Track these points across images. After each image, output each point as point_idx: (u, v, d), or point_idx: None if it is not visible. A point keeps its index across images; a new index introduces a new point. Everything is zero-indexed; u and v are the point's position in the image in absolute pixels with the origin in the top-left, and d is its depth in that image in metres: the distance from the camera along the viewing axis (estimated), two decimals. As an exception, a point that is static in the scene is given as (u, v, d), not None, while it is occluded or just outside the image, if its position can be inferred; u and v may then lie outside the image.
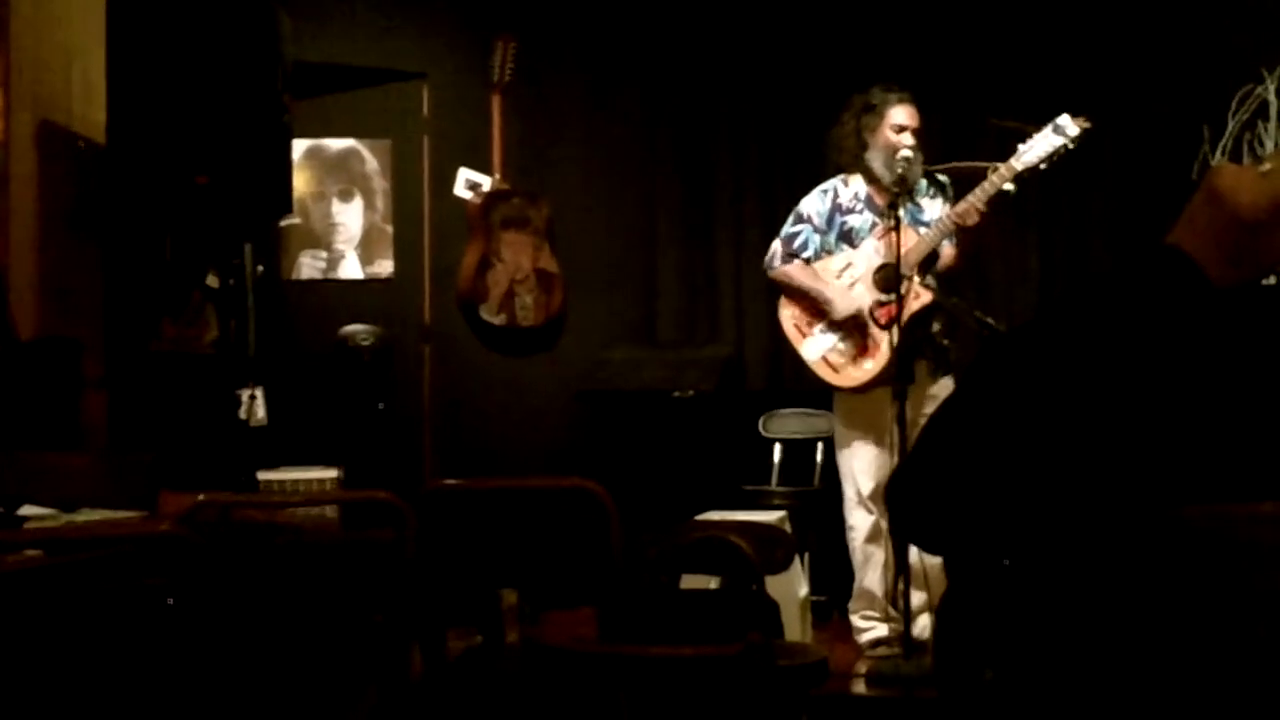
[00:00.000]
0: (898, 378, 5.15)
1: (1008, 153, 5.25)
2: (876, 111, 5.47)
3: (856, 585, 5.59)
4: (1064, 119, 5.20)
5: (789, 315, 5.60)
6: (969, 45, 7.07)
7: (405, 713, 3.67)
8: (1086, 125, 5.20)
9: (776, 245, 5.65)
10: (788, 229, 5.64)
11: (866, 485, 5.49)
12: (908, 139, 5.39)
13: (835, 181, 5.61)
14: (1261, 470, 1.51)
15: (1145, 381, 1.47)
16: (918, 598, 5.18)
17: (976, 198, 5.21)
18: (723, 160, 7.42)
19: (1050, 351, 1.47)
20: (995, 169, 5.22)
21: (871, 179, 5.51)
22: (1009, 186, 5.22)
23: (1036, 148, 5.20)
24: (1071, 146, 5.20)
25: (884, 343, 5.35)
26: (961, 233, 5.32)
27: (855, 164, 5.54)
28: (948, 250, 5.45)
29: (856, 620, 5.61)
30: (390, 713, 3.59)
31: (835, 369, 5.48)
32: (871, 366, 5.41)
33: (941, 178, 5.55)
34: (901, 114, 5.45)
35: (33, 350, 4.78)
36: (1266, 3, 6.45)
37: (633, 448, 6.92)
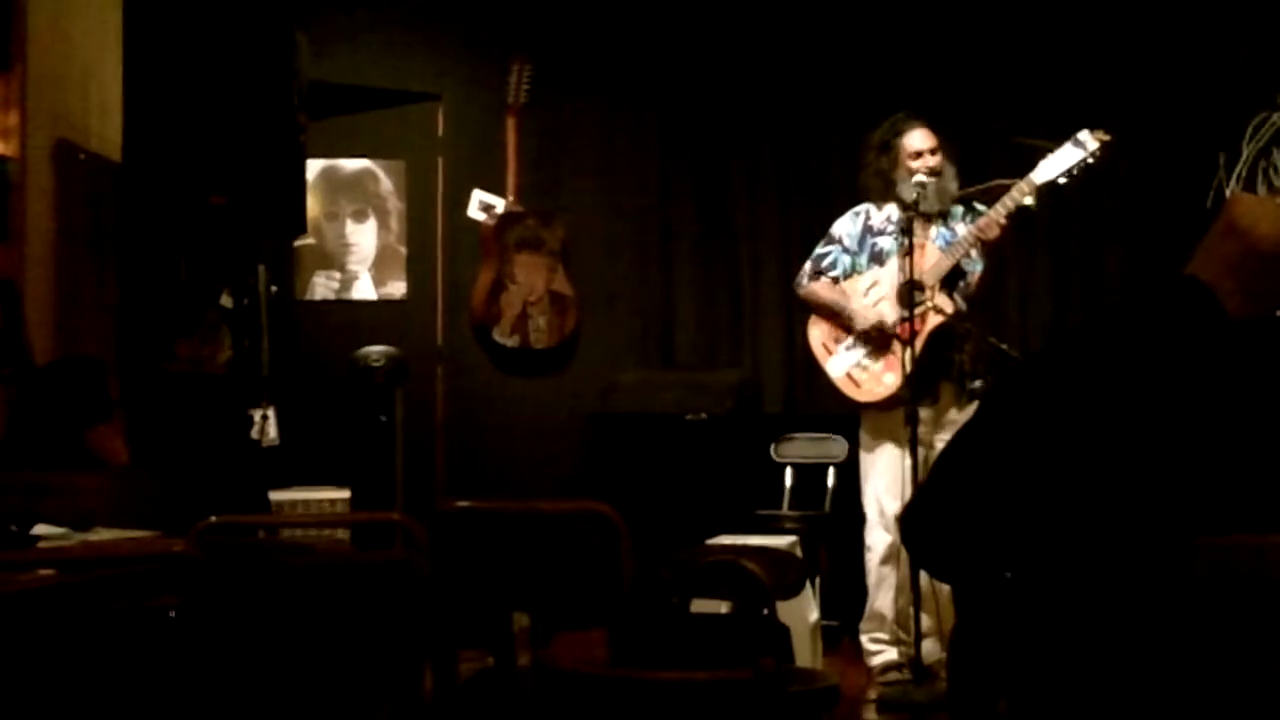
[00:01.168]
0: (913, 396, 5.15)
1: (1029, 171, 5.27)
2: (893, 145, 5.51)
3: (869, 606, 5.58)
4: (1084, 134, 5.24)
5: (817, 334, 5.64)
6: (985, 71, 7.07)
7: (415, 734, 3.67)
8: (1106, 138, 5.23)
9: (806, 265, 5.71)
10: (819, 249, 5.71)
11: (890, 505, 5.46)
12: (929, 160, 5.42)
13: (869, 204, 5.64)
14: (1275, 502, 1.51)
15: (1161, 413, 1.46)
16: (926, 622, 5.18)
17: (997, 212, 5.25)
18: (737, 181, 7.42)
19: (1066, 382, 1.47)
20: (1016, 184, 5.26)
21: (904, 206, 5.53)
22: (1029, 201, 5.25)
23: (1057, 162, 5.24)
24: (1091, 161, 5.22)
25: (905, 359, 5.35)
26: (984, 247, 5.34)
27: (886, 196, 5.57)
28: (977, 270, 5.46)
29: (866, 642, 5.60)
30: (400, 734, 3.58)
31: (858, 384, 5.50)
32: (892, 381, 5.41)
33: (979, 205, 5.56)
34: (916, 139, 5.48)
35: (53, 372, 4.76)
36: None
37: (645, 470, 6.90)
